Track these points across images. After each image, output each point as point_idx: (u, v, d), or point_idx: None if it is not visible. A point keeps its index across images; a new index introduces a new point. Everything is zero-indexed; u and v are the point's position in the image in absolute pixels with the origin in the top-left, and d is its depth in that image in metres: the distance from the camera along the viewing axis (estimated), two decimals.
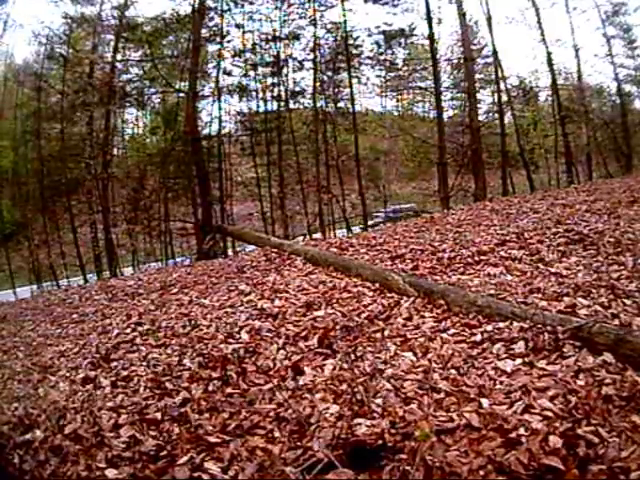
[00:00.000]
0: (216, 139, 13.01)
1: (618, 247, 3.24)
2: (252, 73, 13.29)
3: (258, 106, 13.59)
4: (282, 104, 13.29)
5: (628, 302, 2.33)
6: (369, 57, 14.06)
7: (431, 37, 12.10)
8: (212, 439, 1.65)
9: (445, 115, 13.60)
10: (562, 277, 2.84)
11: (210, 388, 2.05)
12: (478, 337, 2.17)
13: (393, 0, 12.93)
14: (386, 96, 17.51)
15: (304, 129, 13.41)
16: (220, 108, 13.05)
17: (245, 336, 2.59)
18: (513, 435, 1.42)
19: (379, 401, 1.70)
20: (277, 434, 1.64)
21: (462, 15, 11.76)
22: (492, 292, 2.71)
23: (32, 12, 12.91)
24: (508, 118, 13.66)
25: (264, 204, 13.24)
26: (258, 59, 13.15)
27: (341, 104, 13.83)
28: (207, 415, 1.83)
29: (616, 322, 2.11)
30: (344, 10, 12.66)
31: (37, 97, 12.60)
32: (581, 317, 2.16)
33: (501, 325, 2.21)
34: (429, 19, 11.92)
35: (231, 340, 2.56)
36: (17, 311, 5.19)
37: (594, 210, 4.50)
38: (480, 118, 12.92)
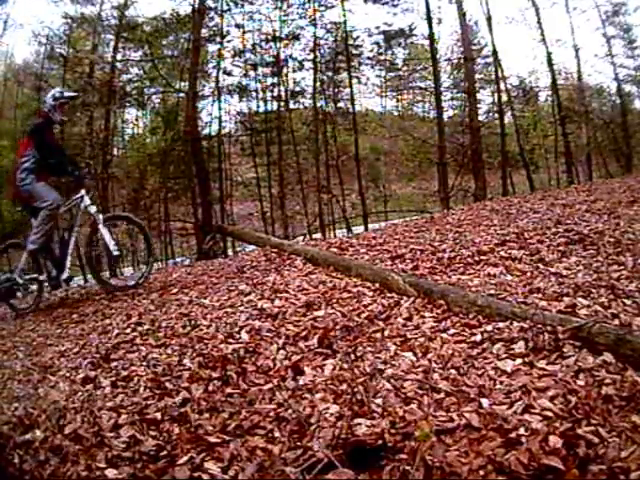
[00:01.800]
0: (216, 139, 13.01)
1: (618, 247, 3.24)
2: (252, 73, 13.31)
3: (258, 106, 13.63)
4: (282, 104, 13.30)
5: (628, 302, 2.33)
6: (369, 57, 14.11)
7: (431, 37, 12.11)
8: (212, 439, 1.65)
9: (445, 115, 13.63)
10: (562, 277, 2.84)
11: (210, 388, 2.05)
12: (478, 337, 2.17)
13: (393, 0, 12.96)
14: (386, 96, 17.54)
15: (304, 129, 13.42)
16: (220, 108, 13.07)
17: (245, 336, 2.59)
18: (513, 435, 1.42)
19: (379, 401, 1.70)
20: (277, 434, 1.64)
21: (462, 15, 11.77)
22: (492, 292, 2.71)
23: (32, 12, 12.97)
24: (508, 118, 13.69)
25: (264, 204, 13.25)
26: (258, 59, 13.17)
27: (341, 104, 13.85)
28: (207, 415, 1.83)
29: (616, 322, 2.11)
30: (344, 10, 12.68)
31: (37, 97, 12.60)
32: (581, 317, 2.15)
33: (501, 325, 2.20)
34: (429, 19, 11.93)
35: (231, 340, 2.56)
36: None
37: (594, 210, 4.50)
38: (480, 118, 12.94)
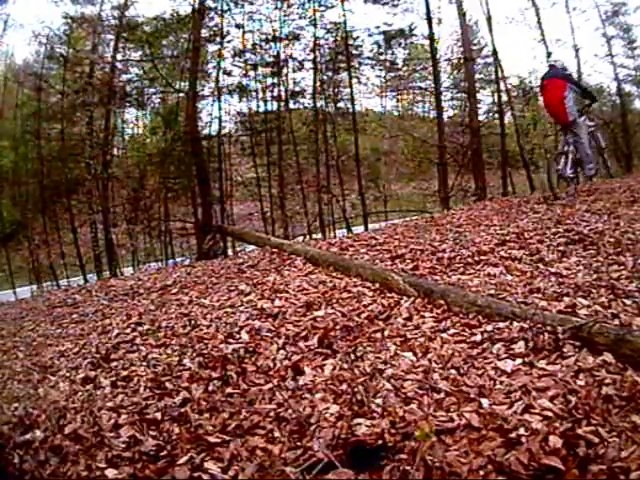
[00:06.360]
0: (216, 139, 13.00)
1: (618, 247, 3.24)
2: (252, 73, 13.30)
3: (258, 106, 13.59)
4: (282, 104, 13.29)
5: (628, 302, 2.33)
6: (369, 57, 14.07)
7: (431, 37, 12.08)
8: (212, 439, 1.65)
9: (445, 115, 13.59)
10: (562, 277, 2.84)
11: (210, 388, 2.05)
12: (478, 337, 2.17)
13: (393, 0, 12.94)
14: (386, 96, 17.52)
15: (304, 129, 13.40)
16: (220, 108, 13.04)
17: (245, 336, 2.59)
18: (513, 435, 1.42)
19: (379, 401, 1.70)
20: (277, 434, 1.64)
21: (462, 15, 11.74)
22: (492, 292, 2.71)
23: (32, 12, 12.97)
24: (508, 118, 13.65)
25: (264, 204, 13.24)
26: (258, 59, 13.16)
27: (341, 104, 13.83)
28: (207, 415, 1.83)
29: (616, 322, 2.11)
30: (344, 10, 12.65)
31: (37, 97, 12.59)
32: (581, 317, 2.15)
33: (501, 325, 2.21)
34: (429, 19, 11.90)
35: (231, 340, 2.57)
36: (17, 311, 5.19)
37: (594, 210, 4.49)
38: (480, 118, 12.90)
